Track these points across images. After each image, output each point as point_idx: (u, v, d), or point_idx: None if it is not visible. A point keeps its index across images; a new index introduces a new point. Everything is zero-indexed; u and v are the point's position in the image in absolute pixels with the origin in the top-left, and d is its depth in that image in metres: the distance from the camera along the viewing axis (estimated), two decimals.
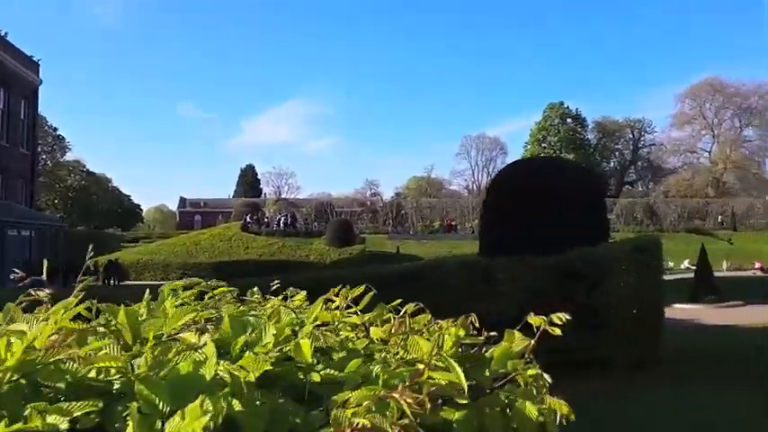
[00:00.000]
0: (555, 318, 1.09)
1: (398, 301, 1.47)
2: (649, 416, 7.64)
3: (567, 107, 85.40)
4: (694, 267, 27.13)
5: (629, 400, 8.50)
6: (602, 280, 10.32)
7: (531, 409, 0.98)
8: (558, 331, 1.09)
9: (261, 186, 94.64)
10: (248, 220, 45.05)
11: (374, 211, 59.29)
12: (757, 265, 41.84)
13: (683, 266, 41.18)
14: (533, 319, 1.11)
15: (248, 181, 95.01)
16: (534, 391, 1.04)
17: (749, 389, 8.86)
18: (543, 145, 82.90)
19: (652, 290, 10.87)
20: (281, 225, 45.53)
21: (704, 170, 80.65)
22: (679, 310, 22.15)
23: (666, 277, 34.74)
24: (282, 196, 74.40)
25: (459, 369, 0.93)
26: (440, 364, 0.94)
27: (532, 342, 1.05)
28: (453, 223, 56.54)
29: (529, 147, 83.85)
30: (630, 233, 43.02)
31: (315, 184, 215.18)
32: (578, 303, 10.41)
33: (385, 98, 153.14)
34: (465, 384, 0.92)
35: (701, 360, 11.66)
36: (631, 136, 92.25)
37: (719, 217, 64.41)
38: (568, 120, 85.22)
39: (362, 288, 1.45)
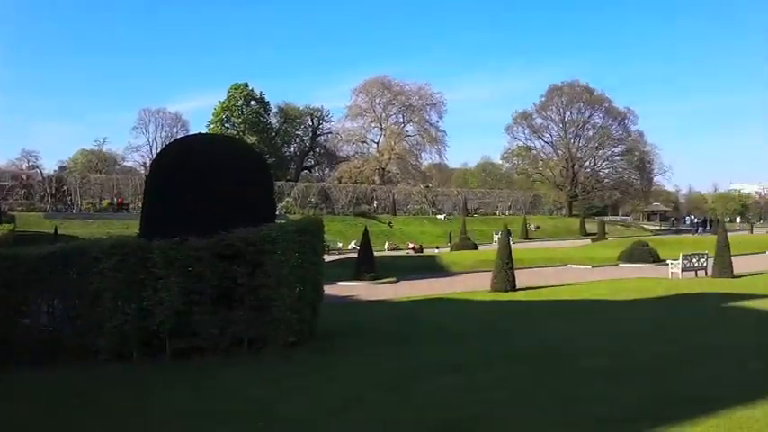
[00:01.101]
0: None
1: None
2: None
3: (252, 89, 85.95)
4: (358, 248, 29.37)
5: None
6: (263, 261, 10.21)
7: None
8: None
9: None
10: None
11: (30, 185, 51.99)
12: (410, 245, 47.34)
13: (350, 247, 44.55)
14: None
15: None
16: None
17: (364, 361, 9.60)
18: (227, 125, 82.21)
19: (313, 269, 11.14)
20: None
21: (372, 159, 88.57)
22: (343, 287, 23.76)
23: (336, 257, 37.10)
24: None
25: None
26: None
27: None
28: (125, 202, 52.64)
29: (212, 126, 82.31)
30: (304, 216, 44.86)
31: None
32: (240, 284, 10.17)
33: (49, 60, 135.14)
34: None
35: (348, 334, 12.41)
36: (311, 123, 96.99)
37: (375, 202, 71.41)
38: (252, 102, 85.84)
39: None
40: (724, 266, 24.21)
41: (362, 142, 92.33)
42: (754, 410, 5.72)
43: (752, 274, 25.00)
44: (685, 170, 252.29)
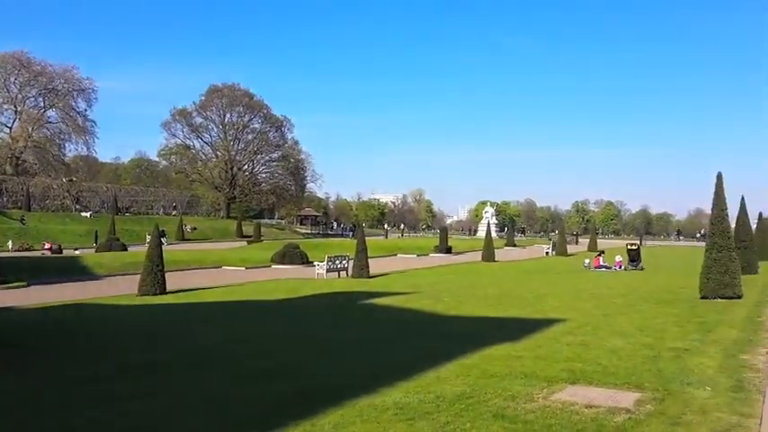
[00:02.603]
0: None
1: None
2: None
3: None
4: None
5: None
6: None
7: None
8: None
9: None
10: None
11: None
12: (47, 245, 42.00)
13: None
14: None
15: None
16: None
17: None
18: None
19: None
20: None
21: (4, 146, 76.68)
22: None
23: None
24: None
25: None
26: None
27: None
28: None
29: None
30: None
31: None
32: None
33: None
34: None
35: None
36: None
37: (5, 196, 62.15)
38: None
39: None
40: (361, 267, 26.85)
41: None
42: (374, 399, 6.22)
43: (384, 274, 28.21)
44: (335, 178, 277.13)
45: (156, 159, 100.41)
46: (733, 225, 21.28)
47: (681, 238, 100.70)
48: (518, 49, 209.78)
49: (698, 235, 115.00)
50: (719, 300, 14.46)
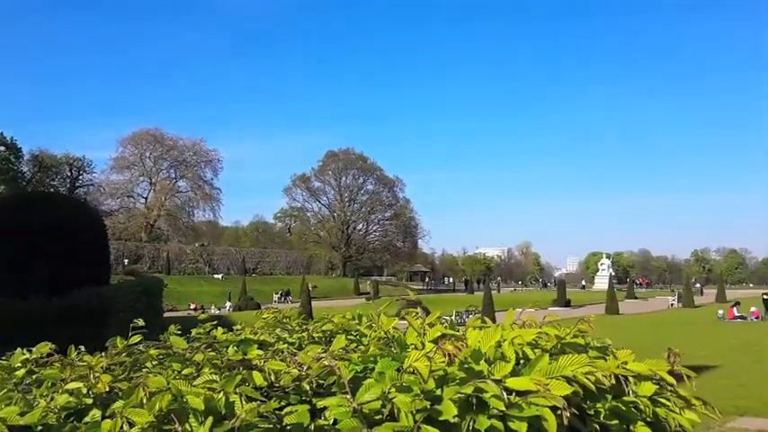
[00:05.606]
0: None
1: None
2: None
3: (1, 134, 77.22)
4: None
5: None
6: (111, 318, 10.01)
7: None
8: None
9: None
10: None
11: None
12: (192, 305, 45.83)
13: None
14: None
15: None
16: None
17: None
18: None
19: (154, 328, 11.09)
20: None
21: (140, 215, 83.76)
22: None
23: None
24: None
25: None
26: None
27: None
28: None
29: None
30: None
31: None
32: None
33: None
34: None
35: None
36: (69, 174, 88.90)
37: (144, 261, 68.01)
38: (1, 148, 76.95)
39: None
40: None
41: (129, 196, 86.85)
42: None
43: None
44: (438, 234, 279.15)
45: (272, 221, 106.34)
46: None
47: None
48: (623, 94, 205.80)
49: None
50: None
